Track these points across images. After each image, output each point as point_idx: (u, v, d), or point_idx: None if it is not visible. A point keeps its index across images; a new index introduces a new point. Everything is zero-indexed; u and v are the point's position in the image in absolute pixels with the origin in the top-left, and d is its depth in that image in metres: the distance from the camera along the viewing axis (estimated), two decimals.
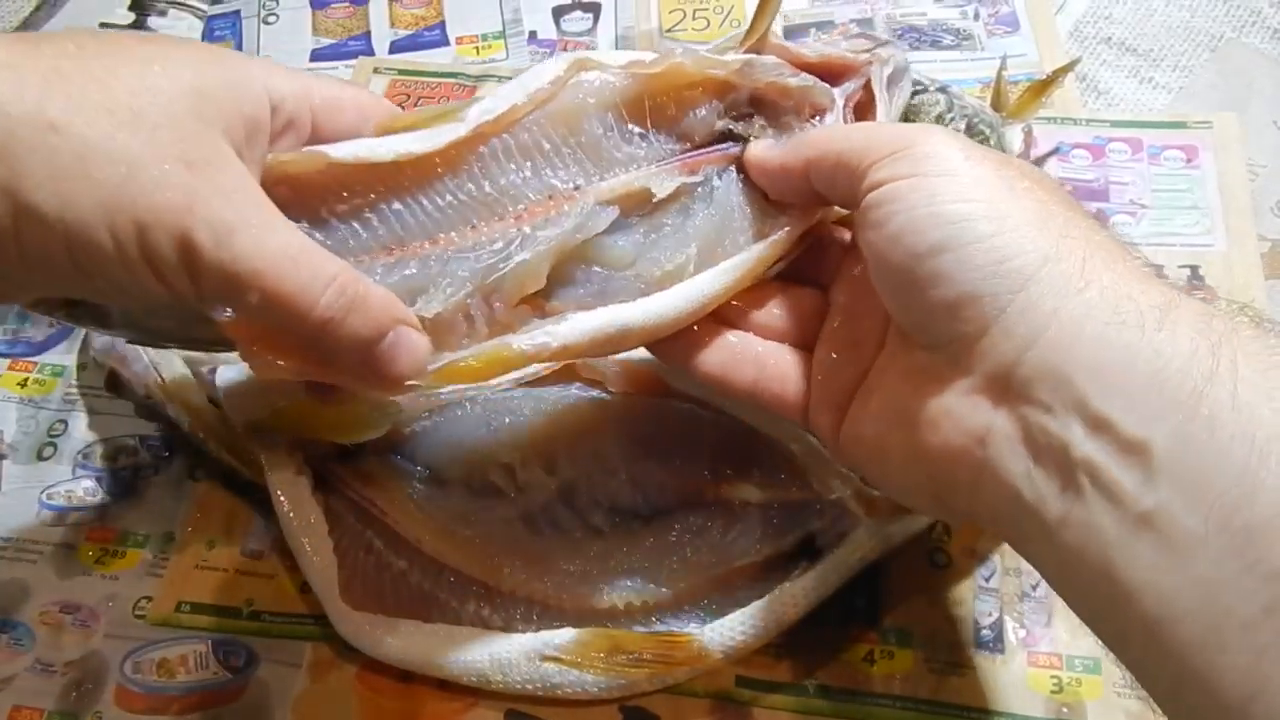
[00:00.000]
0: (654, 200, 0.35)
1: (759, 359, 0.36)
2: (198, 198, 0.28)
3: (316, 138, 0.33)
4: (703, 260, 0.35)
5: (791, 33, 0.62)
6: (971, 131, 0.51)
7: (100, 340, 0.47)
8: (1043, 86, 0.53)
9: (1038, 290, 0.28)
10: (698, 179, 0.36)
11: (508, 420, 0.44)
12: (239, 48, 0.63)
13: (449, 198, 0.34)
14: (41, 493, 0.47)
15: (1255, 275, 0.50)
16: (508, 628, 0.40)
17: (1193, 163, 0.54)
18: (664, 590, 0.40)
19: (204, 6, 0.66)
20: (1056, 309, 0.27)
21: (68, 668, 0.43)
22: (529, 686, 0.39)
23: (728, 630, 0.39)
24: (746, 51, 0.37)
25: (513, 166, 0.34)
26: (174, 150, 0.28)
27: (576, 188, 0.34)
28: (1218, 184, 0.53)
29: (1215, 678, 0.24)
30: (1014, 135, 0.51)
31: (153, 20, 0.65)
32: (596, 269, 0.35)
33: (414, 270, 0.33)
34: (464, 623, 0.40)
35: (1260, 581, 0.24)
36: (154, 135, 0.27)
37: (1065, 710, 0.41)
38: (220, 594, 0.44)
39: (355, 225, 0.33)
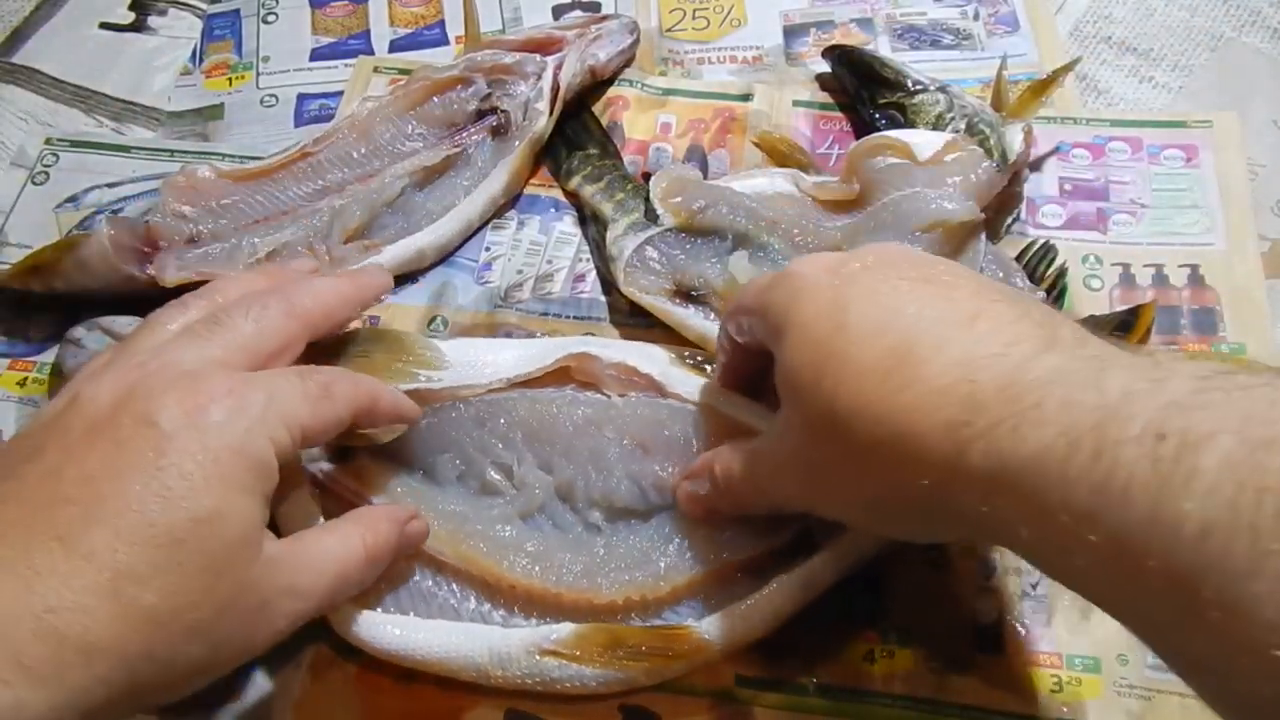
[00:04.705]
0: (427, 168, 0.54)
1: None
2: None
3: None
4: (466, 196, 0.54)
5: (792, 33, 0.62)
6: (971, 131, 0.51)
7: (82, 348, 0.47)
8: (1043, 86, 0.53)
9: None
10: (458, 150, 0.55)
11: (503, 421, 0.43)
12: (239, 47, 0.64)
13: (296, 189, 0.54)
14: None
15: (1255, 275, 0.50)
16: (507, 624, 0.40)
17: (1193, 162, 0.54)
18: (662, 585, 0.40)
19: (203, 6, 0.66)
20: None
21: None
22: (528, 681, 0.39)
23: (726, 624, 0.39)
24: (467, 51, 0.57)
25: (333, 166, 0.55)
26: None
27: (376, 171, 0.54)
28: (1218, 184, 0.53)
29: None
30: (1014, 135, 0.51)
31: (153, 20, 0.65)
32: (400, 214, 0.54)
33: (274, 230, 0.52)
34: (463, 620, 0.40)
35: None
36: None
37: (1065, 710, 0.41)
38: None
39: (239, 208, 0.53)
